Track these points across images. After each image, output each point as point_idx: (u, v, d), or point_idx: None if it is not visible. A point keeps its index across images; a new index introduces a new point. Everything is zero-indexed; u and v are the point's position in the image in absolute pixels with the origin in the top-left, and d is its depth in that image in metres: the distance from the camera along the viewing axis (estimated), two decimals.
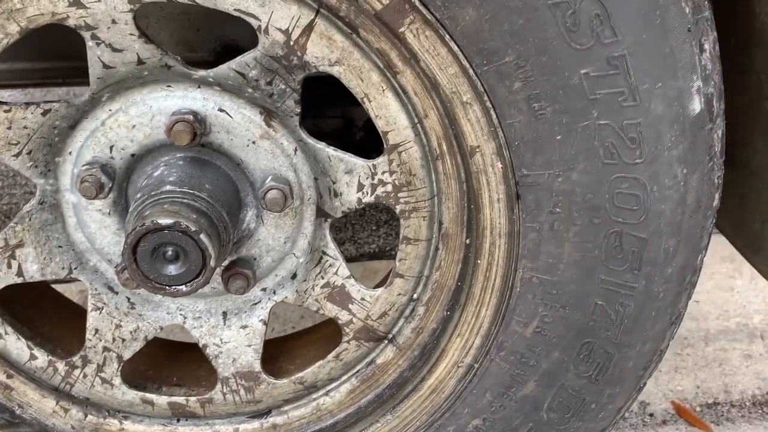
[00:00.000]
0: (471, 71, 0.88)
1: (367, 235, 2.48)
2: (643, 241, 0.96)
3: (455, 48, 0.87)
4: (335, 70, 1.00)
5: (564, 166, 0.91)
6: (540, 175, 0.93)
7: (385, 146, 1.06)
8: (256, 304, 1.21)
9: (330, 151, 1.09)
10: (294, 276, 1.19)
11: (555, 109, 0.88)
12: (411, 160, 1.06)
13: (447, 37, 0.86)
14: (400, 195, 1.09)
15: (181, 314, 1.21)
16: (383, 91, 1.01)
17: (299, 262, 1.19)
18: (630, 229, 0.95)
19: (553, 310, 1.02)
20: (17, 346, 1.16)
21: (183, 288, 1.02)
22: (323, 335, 1.42)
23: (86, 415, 1.22)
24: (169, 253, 1.01)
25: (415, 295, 1.17)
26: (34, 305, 1.30)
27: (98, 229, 1.13)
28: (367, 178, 1.09)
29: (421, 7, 0.85)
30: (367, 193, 1.10)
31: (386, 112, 1.03)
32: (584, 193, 0.93)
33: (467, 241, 1.09)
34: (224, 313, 1.22)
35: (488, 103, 0.90)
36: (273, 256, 1.17)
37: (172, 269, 1.01)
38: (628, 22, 0.83)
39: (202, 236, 1.00)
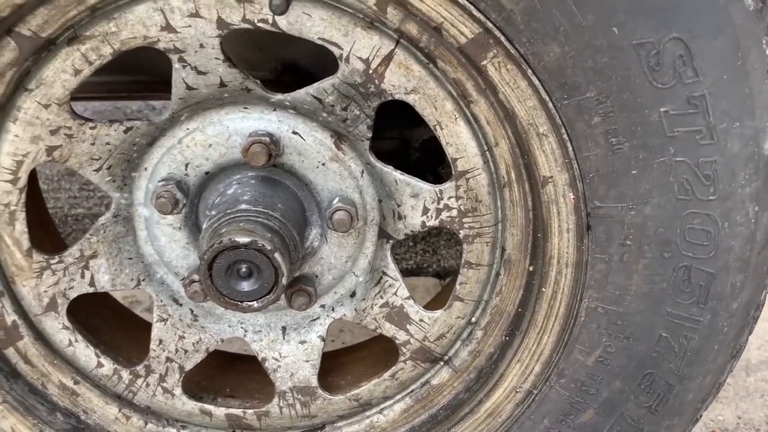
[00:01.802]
0: (550, 104, 0.90)
1: (405, 251, 2.50)
2: (712, 276, 0.97)
3: (536, 82, 0.89)
4: (410, 98, 1.03)
5: (638, 200, 0.93)
6: (613, 208, 0.95)
7: (453, 172, 1.08)
8: (315, 320, 1.24)
9: (397, 174, 1.12)
10: (353, 294, 1.22)
11: (632, 144, 0.90)
12: (478, 187, 1.08)
13: (529, 71, 0.88)
14: (464, 220, 1.11)
15: (241, 327, 1.24)
16: (455, 119, 1.04)
17: (359, 281, 1.21)
18: (699, 263, 0.96)
19: (617, 341, 1.03)
20: (86, 353, 1.20)
21: (255, 304, 1.05)
22: (372, 352, 1.44)
23: (146, 423, 1.25)
24: (243, 269, 1.04)
25: (473, 319, 1.19)
26: (97, 314, 1.34)
27: (168, 243, 1.16)
28: (432, 203, 1.11)
29: (505, 43, 0.87)
30: (432, 217, 1.12)
31: (457, 139, 1.05)
32: (656, 227, 0.95)
33: (530, 269, 1.11)
34: (283, 328, 1.25)
35: (565, 136, 0.92)
36: (334, 274, 1.20)
37: (245, 285, 1.04)
38: (710, 63, 0.85)
39: (277, 255, 1.02)
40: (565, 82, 0.88)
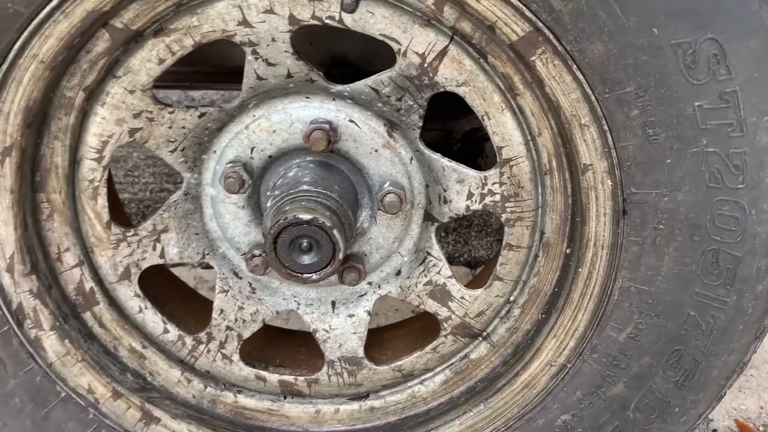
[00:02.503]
0: (593, 97, 0.99)
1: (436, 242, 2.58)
2: (738, 260, 1.05)
3: (580, 77, 0.98)
4: (461, 90, 1.12)
5: (671, 186, 1.01)
6: (648, 194, 1.03)
7: (498, 160, 1.17)
8: (362, 296, 1.33)
9: (444, 161, 1.21)
10: (398, 273, 1.31)
11: (668, 135, 0.98)
12: (521, 174, 1.17)
13: (574, 66, 0.97)
14: (507, 205, 1.20)
15: (295, 300, 1.34)
16: (502, 110, 1.12)
17: (404, 261, 1.30)
18: (727, 247, 1.04)
19: (648, 318, 1.12)
20: (153, 320, 1.31)
21: (314, 276, 1.15)
22: (409, 330, 1.54)
23: (206, 387, 1.35)
24: (305, 244, 1.14)
25: (511, 298, 1.28)
26: (161, 286, 1.45)
27: (231, 221, 1.27)
28: (477, 188, 1.20)
29: (553, 40, 0.96)
30: (476, 202, 1.21)
31: (503, 129, 1.14)
32: (687, 213, 1.03)
33: (567, 251, 1.20)
34: (333, 303, 1.35)
35: (605, 127, 1.00)
36: (381, 253, 1.29)
37: (306, 259, 1.14)
38: (743, 62, 0.93)
39: (335, 231, 1.12)
40: (607, 77, 0.96)
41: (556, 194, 1.17)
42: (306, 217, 1.11)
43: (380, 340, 1.52)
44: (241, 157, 1.22)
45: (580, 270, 1.16)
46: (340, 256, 1.14)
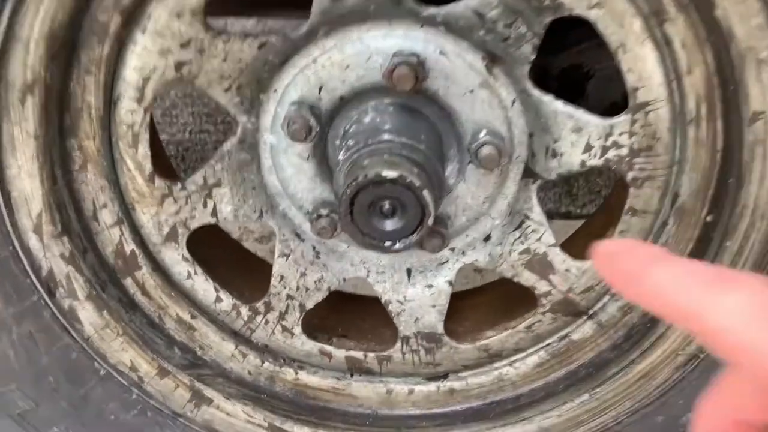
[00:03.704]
0: None
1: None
2: None
3: None
4: (592, 14, 0.88)
5: None
6: None
7: (630, 104, 0.94)
8: (443, 263, 1.14)
9: (559, 105, 0.98)
10: (487, 238, 1.11)
11: None
12: (658, 122, 0.94)
13: None
14: (635, 160, 0.97)
15: (364, 267, 1.15)
16: (643, 41, 0.88)
17: (494, 224, 1.10)
18: None
19: None
20: (204, 287, 1.13)
21: (397, 245, 0.95)
22: (490, 298, 1.34)
23: (263, 362, 1.19)
24: (387, 207, 0.94)
25: None
26: (211, 247, 1.27)
27: (294, 174, 1.06)
28: (598, 139, 0.98)
29: None
30: (595, 156, 0.99)
31: (641, 65, 0.90)
32: None
33: (709, 219, 0.97)
34: (408, 270, 1.15)
35: None
36: (468, 215, 1.08)
37: (388, 224, 0.94)
38: None
39: (425, 192, 0.91)
40: None
41: (701, 149, 0.93)
42: (391, 174, 0.90)
43: (456, 309, 1.32)
44: (306, 97, 1.00)
45: (727, 243, 0.94)
46: (430, 221, 0.93)
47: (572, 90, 1.35)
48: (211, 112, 2.93)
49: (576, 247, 1.10)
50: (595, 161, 0.99)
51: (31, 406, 1.04)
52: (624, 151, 0.97)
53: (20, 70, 0.90)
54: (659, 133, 0.94)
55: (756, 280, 0.43)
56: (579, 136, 0.98)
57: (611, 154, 0.97)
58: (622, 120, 0.95)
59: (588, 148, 0.98)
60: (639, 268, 0.48)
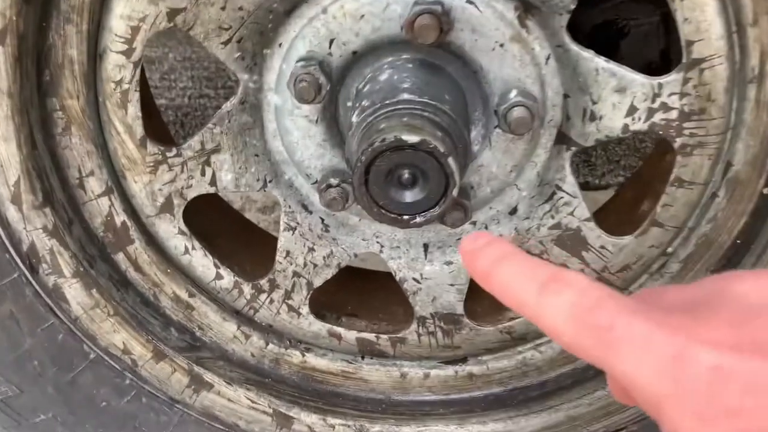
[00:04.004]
0: None
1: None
2: None
3: None
4: None
5: None
6: None
7: (684, 60, 0.83)
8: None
9: (600, 62, 0.87)
10: (513, 211, 1.01)
11: None
12: (714, 81, 0.83)
13: None
14: (686, 125, 0.86)
15: (377, 242, 1.05)
16: None
17: (521, 196, 0.99)
18: None
19: None
20: (203, 263, 1.04)
21: (417, 218, 0.85)
22: None
23: (267, 344, 1.10)
24: (406, 176, 0.83)
25: (670, 249, 0.97)
26: (208, 218, 1.17)
27: (301, 139, 0.96)
28: (644, 101, 0.87)
29: None
30: (640, 119, 0.88)
31: (700, 14, 0.79)
32: None
33: (765, 191, 0.87)
34: (425, 246, 1.05)
35: None
36: (493, 186, 0.98)
37: (407, 195, 0.84)
38: None
39: (450, 159, 0.81)
40: None
41: (762, 112, 0.82)
42: (412, 138, 0.80)
43: (473, 287, 1.23)
44: (316, 52, 0.89)
45: None
46: (454, 192, 0.83)
47: (605, 49, 1.24)
48: (211, 75, 2.80)
49: (604, 222, 1.00)
50: (639, 125, 0.88)
51: (15, 392, 0.95)
52: (673, 115, 0.86)
53: None
54: (714, 93, 0.83)
55: (582, 280, 0.47)
56: (622, 97, 0.87)
57: (658, 117, 0.87)
58: (672, 79, 0.84)
59: (632, 110, 0.88)
60: (488, 266, 0.53)
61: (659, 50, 1.21)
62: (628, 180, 1.34)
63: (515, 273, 0.50)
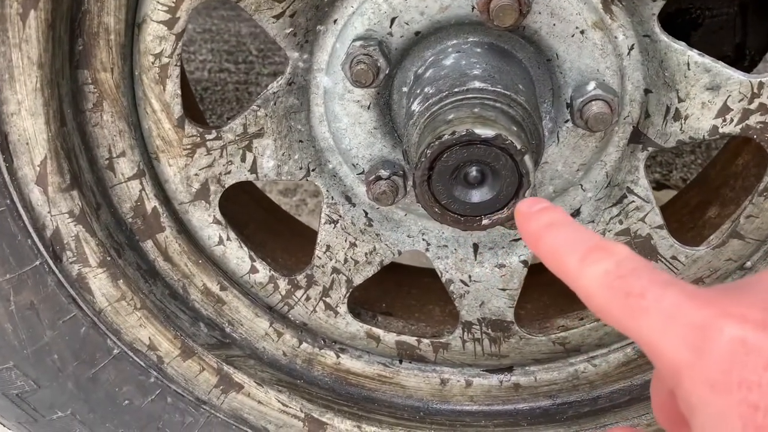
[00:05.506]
0: None
1: None
2: None
3: None
4: None
5: None
6: None
7: None
8: (517, 240, 0.96)
9: (694, 55, 0.79)
10: (577, 213, 0.93)
11: None
12: None
13: None
14: None
15: (423, 239, 0.97)
16: None
17: (586, 197, 0.92)
18: None
19: None
20: (238, 255, 0.96)
21: (484, 220, 0.77)
22: (555, 278, 1.17)
23: (301, 342, 1.02)
24: (473, 174, 0.75)
25: (749, 263, 0.89)
26: (245, 207, 1.09)
27: (350, 125, 0.88)
28: (740, 100, 0.78)
29: None
30: (732, 121, 0.80)
31: None
32: None
33: None
34: (475, 246, 0.97)
35: None
36: (556, 185, 0.90)
37: (475, 195, 0.76)
38: None
39: (527, 158, 0.73)
40: None
41: None
42: (486, 133, 0.72)
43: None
44: (375, 31, 0.81)
45: None
46: (527, 194, 0.75)
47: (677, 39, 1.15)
48: (231, 49, 2.71)
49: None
50: (730, 128, 0.80)
51: (32, 387, 0.88)
52: None
53: None
54: None
55: (623, 251, 0.48)
56: (714, 96, 0.79)
57: (754, 120, 0.78)
58: None
59: (724, 110, 0.79)
60: (539, 229, 0.53)
61: (734, 44, 1.11)
62: (691, 183, 1.25)
63: (563, 239, 0.51)
